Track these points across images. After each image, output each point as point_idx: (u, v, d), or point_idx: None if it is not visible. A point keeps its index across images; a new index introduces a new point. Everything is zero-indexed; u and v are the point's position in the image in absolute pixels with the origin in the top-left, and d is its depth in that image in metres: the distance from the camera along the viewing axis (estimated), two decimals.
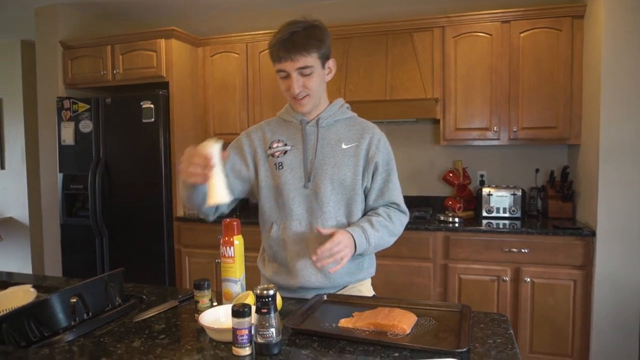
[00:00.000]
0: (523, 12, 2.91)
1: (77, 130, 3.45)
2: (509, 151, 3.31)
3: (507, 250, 2.70)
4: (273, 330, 1.00)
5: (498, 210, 3.05)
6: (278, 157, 1.47)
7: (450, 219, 2.92)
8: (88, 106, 3.41)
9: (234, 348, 1.01)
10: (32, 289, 1.38)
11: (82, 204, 3.52)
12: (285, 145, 1.48)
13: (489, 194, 3.06)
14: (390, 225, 1.43)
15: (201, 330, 1.16)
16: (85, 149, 3.43)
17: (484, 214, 3.06)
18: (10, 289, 1.40)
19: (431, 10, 3.31)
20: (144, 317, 1.27)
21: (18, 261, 4.71)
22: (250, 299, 1.19)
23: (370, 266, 1.53)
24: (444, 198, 3.29)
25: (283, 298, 1.32)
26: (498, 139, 3.02)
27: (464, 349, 0.99)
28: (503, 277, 2.71)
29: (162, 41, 3.29)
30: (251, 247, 3.00)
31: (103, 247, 3.44)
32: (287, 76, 1.38)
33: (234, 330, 1.00)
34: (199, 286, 1.29)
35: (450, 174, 3.20)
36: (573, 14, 2.85)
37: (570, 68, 2.88)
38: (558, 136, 2.93)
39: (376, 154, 1.45)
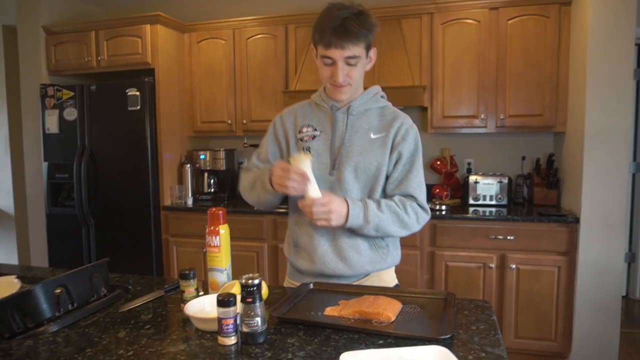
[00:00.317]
0: None
1: (61, 118, 3.40)
2: (496, 139, 3.33)
3: (493, 237, 2.73)
4: (258, 319, 1.00)
5: (485, 197, 3.07)
6: (306, 141, 1.46)
7: (438, 207, 2.94)
8: (72, 93, 3.36)
9: (219, 337, 1.01)
10: (15, 280, 1.36)
11: (67, 193, 3.48)
12: (315, 130, 1.46)
13: (476, 182, 3.09)
14: (401, 214, 1.37)
15: (187, 320, 1.16)
16: (70, 137, 3.39)
17: (471, 201, 3.09)
18: None
19: None
20: (130, 308, 1.27)
21: (4, 252, 4.65)
22: (236, 289, 1.19)
23: (394, 257, 1.50)
24: (432, 186, 3.29)
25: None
26: (485, 127, 3.04)
27: (448, 336, 1.00)
28: (489, 264, 2.74)
29: (148, 27, 3.24)
30: (238, 237, 3.00)
31: (89, 237, 3.41)
32: (332, 63, 1.35)
33: (220, 320, 1.00)
34: (184, 276, 1.28)
35: (438, 162, 3.22)
36: (560, 0, 2.85)
37: (557, 55, 2.89)
38: (544, 124, 2.95)
39: (401, 144, 1.41)
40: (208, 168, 3.59)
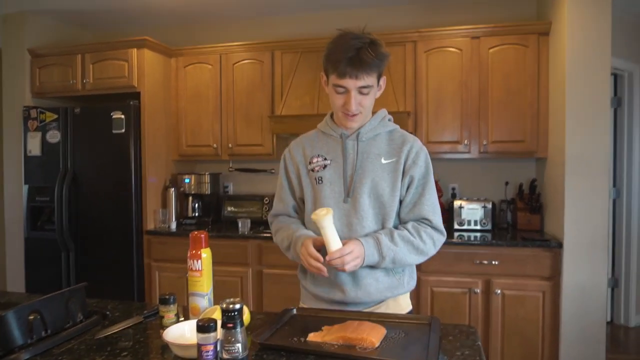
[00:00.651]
0: (492, 29, 3.00)
1: (44, 141, 3.35)
2: (480, 164, 3.37)
3: (478, 262, 2.73)
4: (239, 345, 0.98)
5: (469, 222, 3.09)
6: (318, 171, 1.46)
7: None
8: (56, 116, 3.33)
9: None
10: None
11: (47, 217, 3.40)
12: (325, 159, 1.47)
13: (461, 207, 3.11)
14: (416, 242, 1.37)
15: (166, 346, 1.12)
16: (53, 159, 3.34)
17: (456, 226, 3.10)
18: None
19: (403, 25, 3.37)
20: (107, 334, 1.23)
21: None
22: (217, 314, 1.16)
23: (410, 280, 1.50)
24: None
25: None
26: (469, 152, 3.08)
27: None
28: (474, 289, 2.74)
29: (134, 51, 3.25)
30: (222, 261, 2.95)
31: (69, 262, 3.33)
32: (345, 92, 1.36)
33: (199, 346, 0.97)
34: (164, 301, 1.25)
35: None
36: (539, 31, 2.94)
37: (537, 83, 2.96)
38: (526, 150, 3.00)
39: (412, 167, 1.42)
40: (193, 192, 3.55)
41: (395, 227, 1.42)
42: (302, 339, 1.14)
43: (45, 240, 3.37)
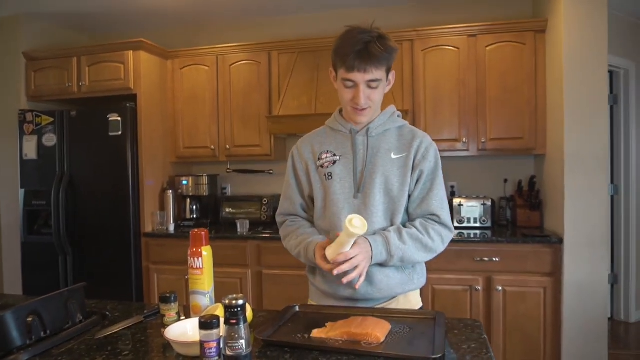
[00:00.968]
0: (488, 27, 3.00)
1: (40, 144, 3.33)
2: (478, 162, 3.37)
3: (478, 259, 2.72)
4: (242, 342, 0.96)
5: (469, 220, 3.08)
6: (327, 167, 1.45)
7: None
8: (52, 119, 3.30)
9: None
10: None
11: (44, 220, 3.37)
12: (334, 155, 1.46)
13: (460, 205, 3.10)
14: (425, 239, 1.36)
15: (167, 345, 1.11)
16: (49, 163, 3.31)
17: (456, 224, 3.08)
18: None
19: (401, 24, 3.37)
20: (107, 334, 1.21)
21: None
22: (219, 312, 1.15)
23: (421, 277, 1.48)
24: None
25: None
26: (467, 150, 3.07)
27: (439, 355, 0.98)
28: (475, 286, 2.73)
29: (130, 53, 3.23)
30: (221, 263, 2.93)
31: (67, 266, 3.30)
32: (354, 86, 1.36)
33: (202, 343, 0.96)
34: (165, 299, 1.24)
35: None
36: (535, 28, 2.95)
37: (534, 80, 2.97)
38: (524, 147, 3.00)
39: (422, 163, 1.41)
40: (190, 194, 3.53)
41: (403, 224, 1.41)
42: (306, 336, 1.13)
43: (42, 245, 3.33)
